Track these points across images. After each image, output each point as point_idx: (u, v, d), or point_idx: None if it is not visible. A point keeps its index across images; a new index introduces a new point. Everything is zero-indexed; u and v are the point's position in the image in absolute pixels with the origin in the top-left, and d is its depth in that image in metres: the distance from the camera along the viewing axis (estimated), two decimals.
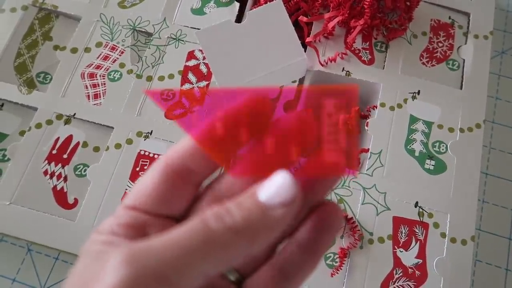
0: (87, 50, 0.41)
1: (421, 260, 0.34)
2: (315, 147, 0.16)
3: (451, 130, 0.39)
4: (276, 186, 0.15)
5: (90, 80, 0.40)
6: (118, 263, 0.13)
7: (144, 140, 0.38)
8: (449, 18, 0.44)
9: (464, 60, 0.42)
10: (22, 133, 0.39)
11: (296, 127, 0.16)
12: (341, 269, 0.34)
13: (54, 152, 0.37)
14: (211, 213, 0.14)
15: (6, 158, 0.37)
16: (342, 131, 0.16)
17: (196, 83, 0.40)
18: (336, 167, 0.16)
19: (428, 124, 0.39)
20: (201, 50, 0.41)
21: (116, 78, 0.40)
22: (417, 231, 0.35)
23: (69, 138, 0.38)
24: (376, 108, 0.39)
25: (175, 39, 0.42)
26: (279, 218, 0.14)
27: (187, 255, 0.13)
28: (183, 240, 0.14)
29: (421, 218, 0.36)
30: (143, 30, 0.42)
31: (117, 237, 0.16)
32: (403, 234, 0.35)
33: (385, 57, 0.42)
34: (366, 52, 0.42)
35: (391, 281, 0.34)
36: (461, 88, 0.41)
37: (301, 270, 0.17)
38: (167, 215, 0.17)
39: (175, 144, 0.17)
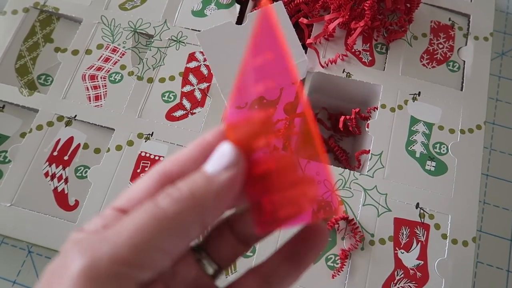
0: (88, 52, 0.41)
1: (422, 262, 0.34)
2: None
3: (451, 131, 0.39)
4: (218, 154, 0.15)
5: (91, 82, 0.40)
6: (75, 255, 0.13)
7: (145, 141, 0.38)
8: (449, 19, 0.44)
9: (464, 61, 0.42)
10: (23, 135, 0.39)
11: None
12: (342, 270, 0.33)
13: (55, 153, 0.37)
14: (162, 193, 0.15)
15: (7, 160, 0.37)
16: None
17: (197, 84, 0.40)
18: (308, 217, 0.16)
19: (429, 126, 0.39)
20: (201, 52, 0.41)
21: (117, 80, 0.40)
22: (418, 232, 0.35)
23: (70, 140, 0.38)
24: (377, 109, 0.39)
25: (176, 41, 0.42)
26: (224, 182, 0.15)
27: (140, 233, 0.14)
28: (135, 220, 0.14)
29: (422, 220, 0.36)
30: (144, 32, 0.42)
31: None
32: (404, 236, 0.35)
33: (386, 58, 0.42)
34: (366, 54, 0.42)
35: (392, 283, 0.34)
36: (461, 89, 0.41)
37: (284, 281, 0.17)
38: None
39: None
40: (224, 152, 0.16)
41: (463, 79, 0.41)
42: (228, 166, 0.15)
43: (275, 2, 0.40)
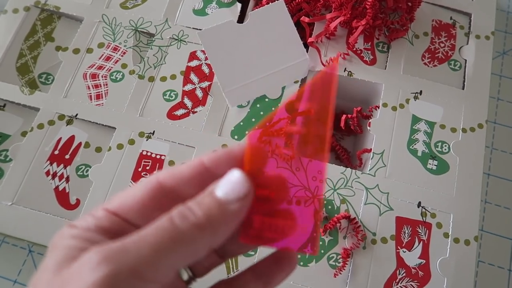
0: (89, 50, 0.41)
1: (424, 261, 0.34)
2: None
3: (453, 130, 0.39)
4: (232, 183, 0.16)
5: (92, 81, 0.40)
6: (96, 263, 0.14)
7: (146, 140, 0.38)
8: (451, 18, 0.44)
9: (466, 60, 0.42)
10: (24, 133, 0.39)
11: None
12: (344, 269, 0.33)
13: (56, 152, 0.37)
14: (176, 212, 0.16)
15: (8, 159, 0.37)
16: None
17: (198, 83, 0.40)
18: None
19: (431, 124, 0.39)
20: (203, 51, 0.41)
21: (118, 79, 0.40)
22: (420, 231, 0.35)
23: (71, 139, 0.38)
24: (378, 108, 0.39)
25: (177, 39, 0.42)
26: (236, 211, 0.16)
27: (159, 252, 0.15)
28: (154, 238, 0.15)
29: (424, 218, 0.36)
30: (145, 31, 0.42)
31: (92, 234, 0.16)
32: (406, 234, 0.35)
33: (387, 57, 0.42)
34: (368, 53, 0.42)
35: (394, 282, 0.33)
36: (463, 88, 0.41)
37: None
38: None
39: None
40: (237, 182, 0.17)
41: (464, 78, 0.41)
42: (240, 197, 0.16)
43: (276, 1, 0.40)
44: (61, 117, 0.38)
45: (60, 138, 0.38)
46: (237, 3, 0.43)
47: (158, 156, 0.37)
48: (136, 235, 0.15)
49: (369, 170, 0.37)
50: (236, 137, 0.38)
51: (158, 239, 0.15)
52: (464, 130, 0.39)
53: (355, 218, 0.35)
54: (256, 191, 0.17)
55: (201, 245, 0.16)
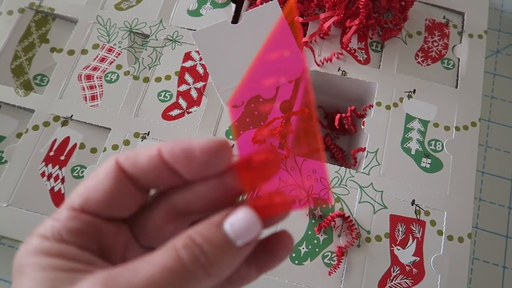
0: (84, 52, 0.41)
1: (418, 258, 0.34)
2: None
3: (447, 128, 0.39)
4: (244, 225, 0.16)
5: (87, 82, 0.40)
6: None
7: (142, 141, 0.38)
8: (444, 17, 0.44)
9: (459, 59, 0.43)
10: (19, 135, 0.39)
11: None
12: (338, 267, 0.34)
13: (51, 153, 0.37)
14: (183, 247, 0.15)
15: (3, 160, 0.37)
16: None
17: (193, 84, 0.40)
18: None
19: (424, 123, 0.39)
20: (197, 51, 0.41)
21: (113, 80, 0.40)
22: (414, 229, 0.35)
23: (67, 140, 0.38)
24: (372, 107, 0.40)
25: (171, 40, 0.42)
26: (245, 252, 0.16)
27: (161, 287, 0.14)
28: (159, 276, 0.14)
29: (418, 216, 0.36)
30: (140, 31, 0.42)
31: (68, 246, 0.15)
32: (400, 232, 0.35)
33: (381, 56, 0.42)
34: (361, 52, 0.42)
35: (388, 279, 0.34)
36: (456, 86, 0.41)
37: (244, 280, 0.18)
38: (116, 218, 0.17)
39: (134, 150, 0.17)
40: (251, 224, 0.16)
41: (457, 76, 0.42)
42: (253, 240, 0.16)
43: (270, 1, 0.40)
44: (56, 118, 0.39)
45: (55, 139, 0.38)
46: (231, 3, 0.44)
47: None
48: (139, 267, 0.14)
49: (364, 169, 0.37)
50: (231, 137, 0.38)
51: (164, 278, 0.14)
52: (457, 128, 0.39)
53: (349, 216, 0.35)
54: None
55: (208, 284, 0.15)
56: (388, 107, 0.40)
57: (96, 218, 0.16)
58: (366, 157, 0.38)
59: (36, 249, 0.15)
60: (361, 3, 0.39)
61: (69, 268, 0.14)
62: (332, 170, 0.37)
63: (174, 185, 0.17)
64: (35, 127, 0.38)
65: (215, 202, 0.17)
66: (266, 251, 0.18)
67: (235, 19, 0.43)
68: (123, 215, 0.17)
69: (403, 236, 0.35)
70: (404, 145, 0.38)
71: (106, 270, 0.14)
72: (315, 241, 0.35)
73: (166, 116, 0.39)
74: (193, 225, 0.16)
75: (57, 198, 0.36)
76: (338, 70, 0.41)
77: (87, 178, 0.17)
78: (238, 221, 0.16)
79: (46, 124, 0.38)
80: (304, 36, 0.42)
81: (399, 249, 0.35)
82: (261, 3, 0.42)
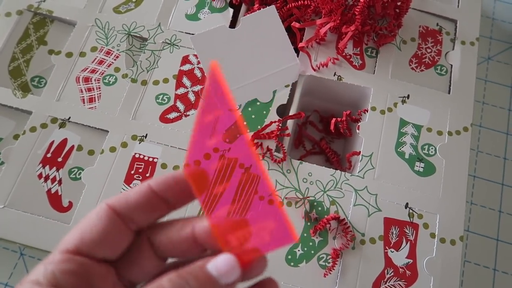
0: (82, 54, 0.42)
1: (411, 260, 0.35)
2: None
3: (439, 133, 0.40)
4: (226, 265, 0.17)
5: (85, 84, 0.40)
6: None
7: (139, 143, 0.38)
8: (437, 25, 0.45)
9: (451, 65, 0.43)
10: (16, 136, 0.39)
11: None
12: (333, 269, 0.34)
13: (48, 155, 0.38)
14: (169, 281, 0.16)
15: (0, 162, 0.37)
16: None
17: (190, 87, 0.41)
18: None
19: (418, 128, 0.40)
20: (195, 55, 0.42)
21: (111, 82, 0.41)
22: (408, 231, 0.36)
23: (64, 142, 0.38)
24: (367, 111, 0.40)
25: (169, 44, 0.42)
26: None
27: None
28: None
29: (411, 219, 0.36)
30: (138, 35, 0.43)
31: None
32: (394, 235, 0.36)
33: (376, 62, 0.43)
34: (357, 57, 0.43)
35: (382, 281, 0.34)
36: (449, 92, 0.42)
37: None
38: (107, 259, 0.18)
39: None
40: (232, 268, 0.18)
41: (450, 82, 0.43)
42: (234, 281, 0.18)
43: (268, 7, 0.41)
44: (54, 120, 0.39)
45: (53, 141, 0.38)
46: (229, 8, 0.44)
47: (150, 159, 0.38)
48: None
49: (358, 172, 0.38)
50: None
51: None
52: (450, 133, 0.40)
53: (344, 219, 0.36)
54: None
55: None
56: (382, 112, 0.40)
57: (88, 259, 0.17)
58: (361, 160, 0.38)
59: None
60: (357, 9, 0.40)
61: None
62: (327, 173, 0.37)
63: (163, 215, 0.19)
64: (33, 129, 0.38)
65: (190, 248, 0.19)
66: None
67: (233, 24, 0.44)
68: (114, 255, 0.18)
69: (397, 238, 0.36)
70: (398, 149, 0.39)
71: None
72: (311, 243, 0.35)
73: (163, 119, 0.39)
74: (175, 268, 0.18)
75: (54, 199, 0.36)
76: (334, 75, 0.41)
77: (80, 222, 0.18)
78: (220, 262, 0.18)
79: (44, 126, 0.38)
80: (301, 41, 0.43)
81: (392, 252, 0.35)
82: (259, 8, 0.43)
